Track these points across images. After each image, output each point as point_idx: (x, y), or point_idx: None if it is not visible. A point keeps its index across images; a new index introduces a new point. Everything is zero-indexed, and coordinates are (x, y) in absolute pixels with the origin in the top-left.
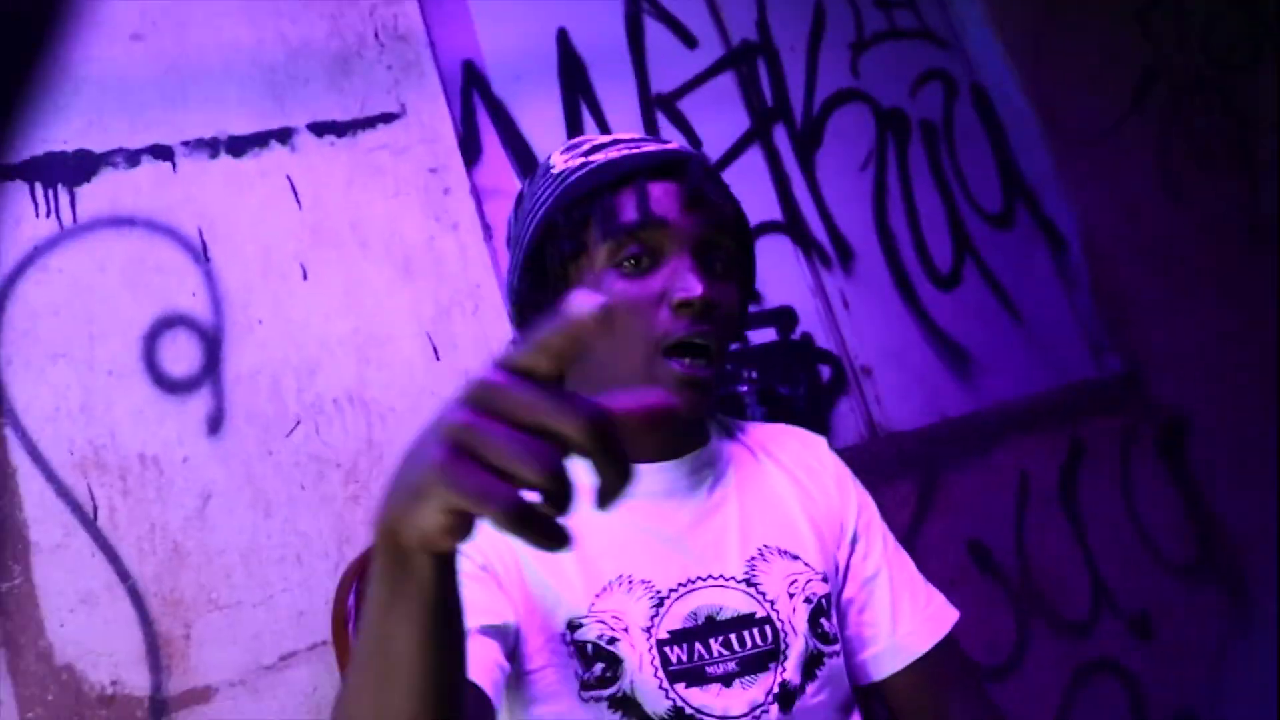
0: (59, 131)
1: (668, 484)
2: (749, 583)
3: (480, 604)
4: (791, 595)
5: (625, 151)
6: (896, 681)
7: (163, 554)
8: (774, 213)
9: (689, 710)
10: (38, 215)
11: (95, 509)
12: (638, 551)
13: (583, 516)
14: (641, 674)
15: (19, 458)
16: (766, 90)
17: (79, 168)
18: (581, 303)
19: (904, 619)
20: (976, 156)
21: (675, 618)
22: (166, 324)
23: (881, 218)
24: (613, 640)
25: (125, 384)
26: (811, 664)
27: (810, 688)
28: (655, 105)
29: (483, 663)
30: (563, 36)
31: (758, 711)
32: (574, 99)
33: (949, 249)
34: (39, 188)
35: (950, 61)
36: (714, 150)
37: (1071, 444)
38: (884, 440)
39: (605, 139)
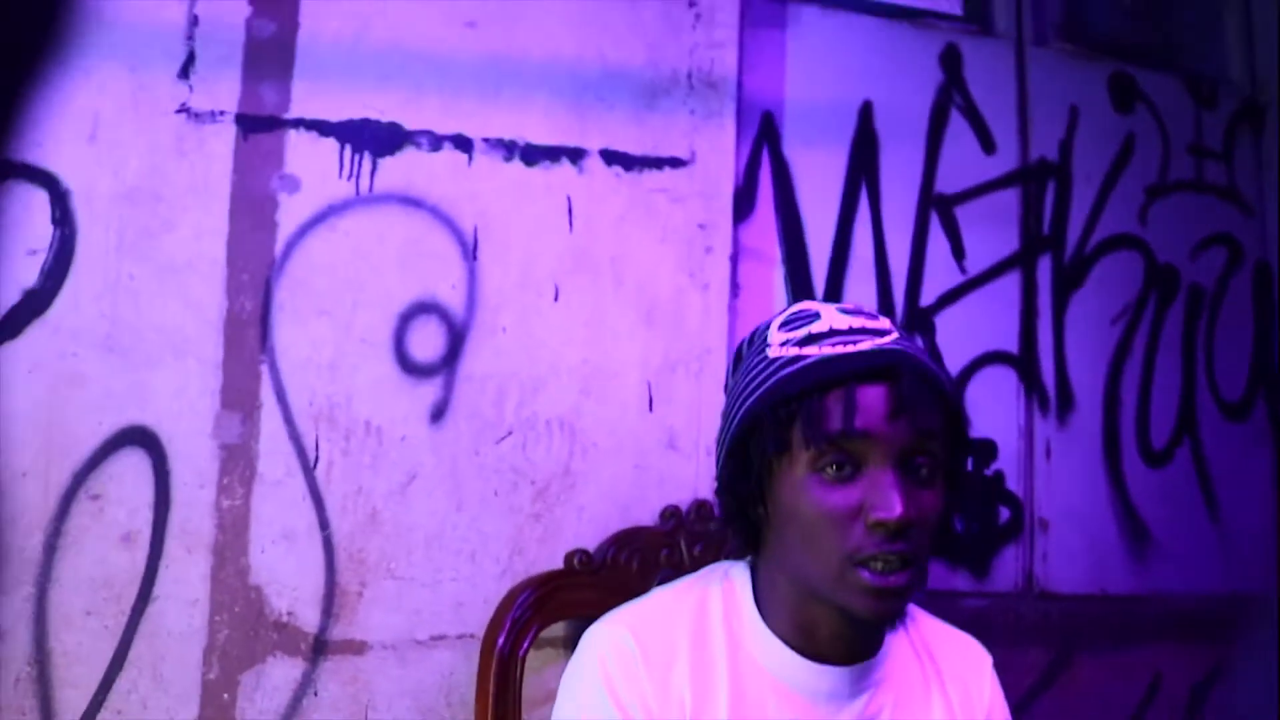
0: (380, 101)
1: (834, 687)
2: None
3: None
4: None
5: (839, 349)
6: None
7: (361, 516)
8: (1010, 344)
9: None
10: (340, 175)
11: (316, 459)
12: None
13: (748, 701)
14: None
15: (266, 394)
16: (1047, 215)
17: (388, 140)
18: None
19: None
20: (1234, 337)
21: None
22: (422, 309)
23: (1115, 377)
24: None
25: (372, 354)
26: None
27: None
28: (933, 205)
29: None
30: (865, 110)
31: None
32: (856, 178)
33: (1170, 425)
34: (348, 150)
35: (1245, 230)
36: (975, 265)
37: (1214, 662)
38: (1035, 597)
39: (823, 326)
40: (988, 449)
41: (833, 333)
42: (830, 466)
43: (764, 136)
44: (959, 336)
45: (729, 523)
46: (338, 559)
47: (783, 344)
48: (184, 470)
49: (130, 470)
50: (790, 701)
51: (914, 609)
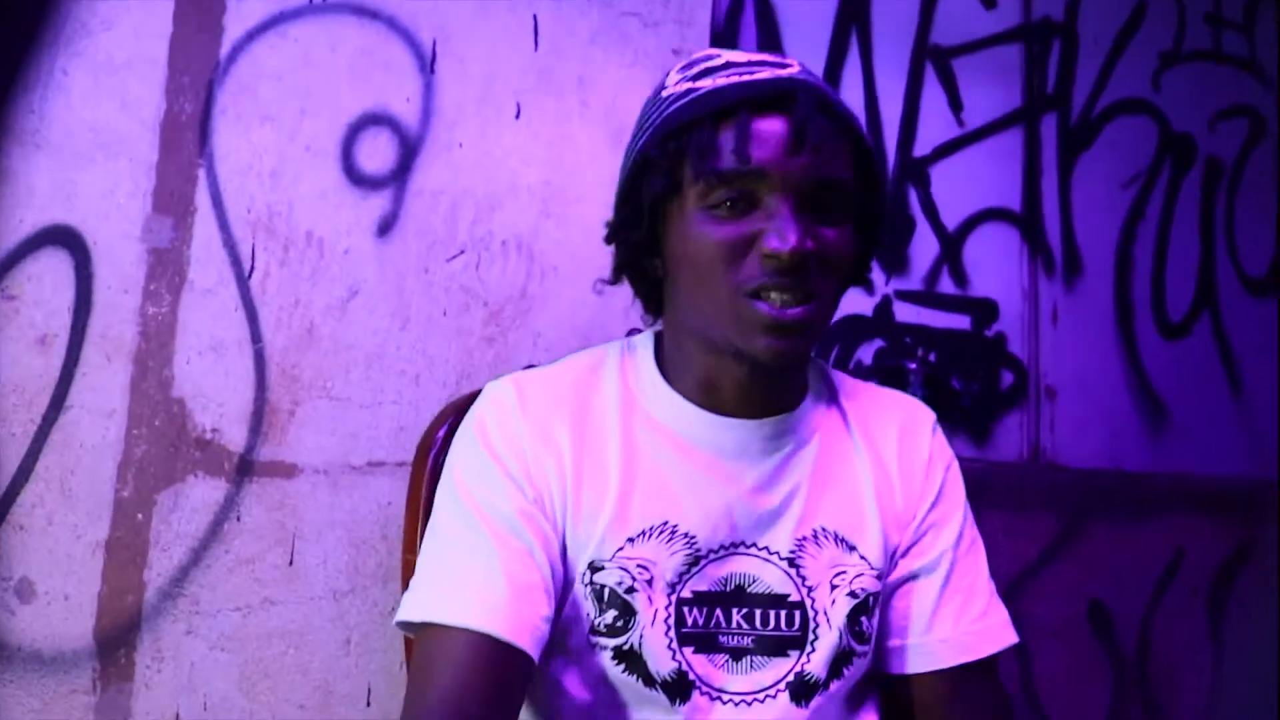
0: None
1: (740, 442)
2: (791, 562)
3: (528, 551)
4: (835, 586)
5: (733, 79)
6: (915, 684)
7: (297, 330)
8: (1012, 201)
9: (691, 675)
10: None
11: (252, 269)
12: (690, 503)
13: (641, 455)
14: (653, 629)
15: (202, 199)
16: (1051, 75)
17: None
18: None
19: (944, 623)
20: (1256, 211)
21: (706, 579)
22: (373, 120)
23: (1127, 241)
24: (631, 590)
25: (317, 164)
26: (840, 661)
27: (835, 685)
28: (928, 56)
29: (526, 620)
30: None
31: (762, 695)
32: (847, 25)
33: (1189, 297)
34: None
35: (1267, 103)
36: (974, 120)
37: (1242, 542)
38: (1043, 468)
39: (719, 60)
40: (987, 308)
41: (728, 65)
42: (724, 204)
43: None
44: (956, 191)
45: (628, 280)
46: (269, 375)
47: (677, 83)
48: (108, 273)
49: (50, 271)
50: (692, 457)
51: (843, 377)
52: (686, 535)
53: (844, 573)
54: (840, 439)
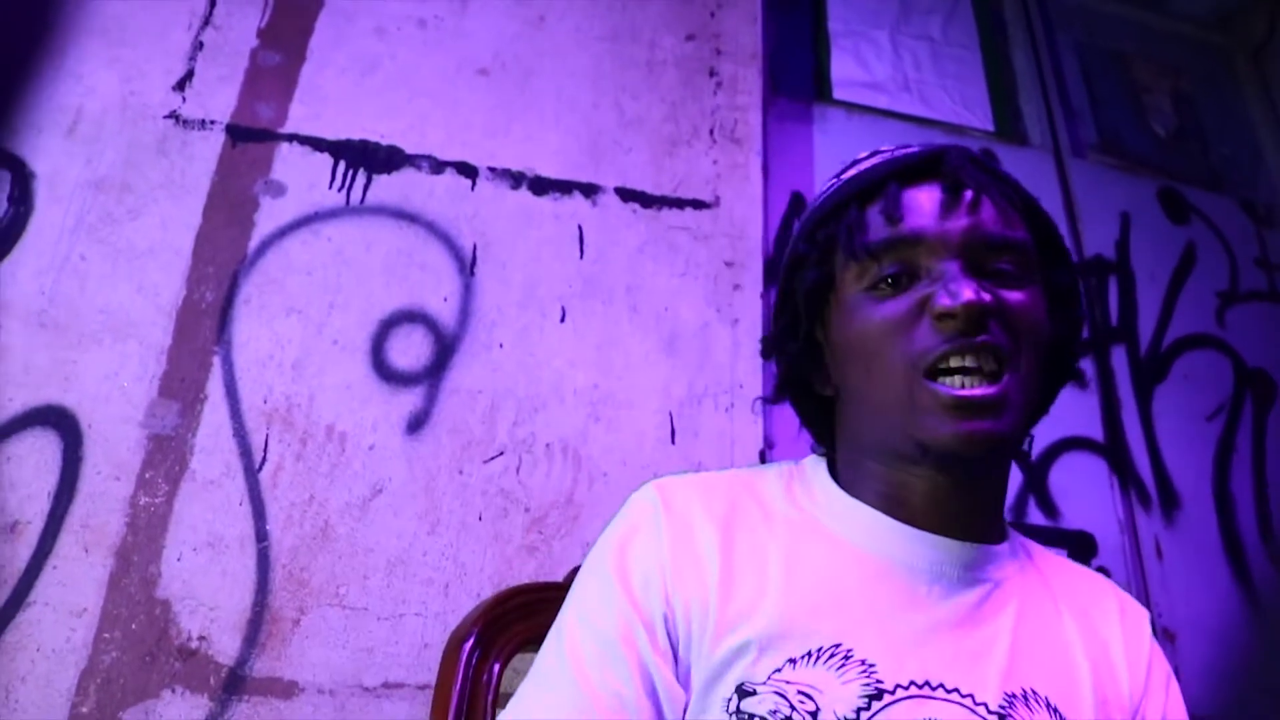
0: (381, 126)
1: (936, 562)
2: (1002, 718)
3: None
4: None
5: (879, 160)
6: None
7: (310, 530)
8: (1094, 431)
9: None
10: (330, 187)
11: (264, 461)
12: (870, 626)
13: (811, 565)
14: None
15: (214, 387)
16: (1113, 309)
17: (386, 160)
18: None
19: None
20: None
21: None
22: (408, 317)
23: (1222, 476)
24: None
25: (345, 357)
26: None
27: None
28: None
29: None
30: None
31: None
32: None
33: None
34: (341, 165)
35: None
36: None
37: None
38: None
39: (865, 154)
40: (1084, 541)
41: (876, 153)
42: (884, 281)
43: (794, 214)
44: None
45: (792, 402)
46: (273, 577)
47: (826, 183)
48: (100, 459)
49: (35, 453)
50: (876, 572)
51: (1045, 550)
52: (864, 664)
53: None
54: (1042, 600)
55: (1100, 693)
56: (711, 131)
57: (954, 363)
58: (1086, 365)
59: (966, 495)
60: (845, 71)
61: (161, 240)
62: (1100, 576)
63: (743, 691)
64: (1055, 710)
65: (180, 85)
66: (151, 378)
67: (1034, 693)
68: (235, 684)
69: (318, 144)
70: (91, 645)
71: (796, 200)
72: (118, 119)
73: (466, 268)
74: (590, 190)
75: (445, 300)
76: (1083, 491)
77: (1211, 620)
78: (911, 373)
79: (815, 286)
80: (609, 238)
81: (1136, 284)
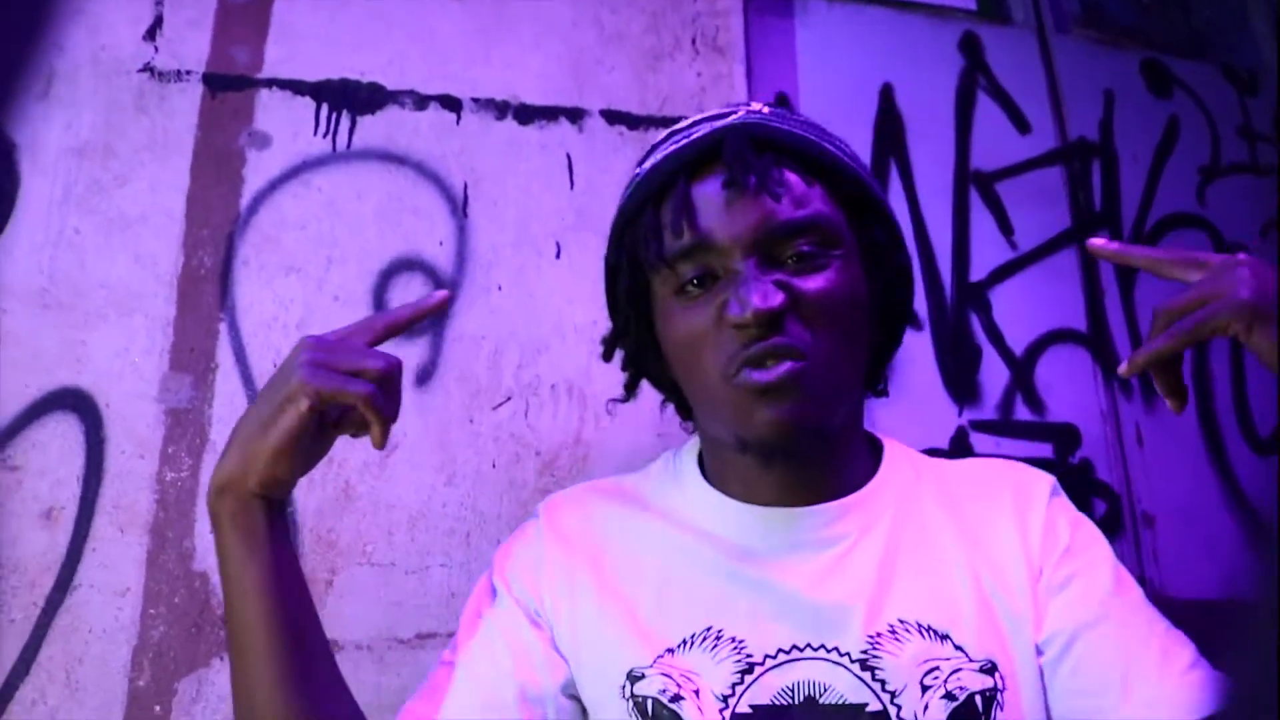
0: (359, 63)
1: (794, 536)
2: (864, 664)
3: (509, 665)
4: (927, 687)
5: (671, 148)
6: None
7: (332, 491)
8: (1078, 322)
9: None
10: (315, 134)
11: None
12: (737, 605)
13: (682, 561)
14: None
15: (224, 355)
16: (1097, 194)
17: (368, 100)
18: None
19: (1144, 680)
20: None
21: (765, 690)
22: (406, 265)
23: (1201, 359)
24: (676, 698)
25: (348, 313)
26: None
27: None
28: (970, 181)
29: None
30: (886, 91)
31: None
32: (884, 156)
33: (1274, 410)
34: (324, 109)
35: None
36: (1026, 242)
37: None
38: (1156, 602)
39: (684, 123)
40: (1069, 434)
41: (672, 134)
42: (689, 284)
43: None
44: (1019, 314)
45: (655, 389)
46: (302, 541)
47: (631, 173)
48: (122, 438)
49: (58, 438)
50: (736, 556)
51: (934, 459)
52: (734, 640)
53: (936, 670)
54: (920, 519)
55: (980, 588)
56: (694, 41)
57: (755, 365)
58: (1070, 257)
59: (801, 470)
60: None
61: (152, 205)
62: (1001, 463)
63: (633, 676)
64: (929, 629)
65: (150, 34)
66: (161, 351)
67: (901, 622)
68: None
69: (298, 87)
70: (139, 623)
71: (781, 100)
72: (91, 77)
73: (459, 209)
74: (576, 115)
75: (440, 245)
76: (1068, 383)
77: (1188, 502)
78: (721, 378)
79: (632, 291)
80: (597, 165)
81: (1120, 166)
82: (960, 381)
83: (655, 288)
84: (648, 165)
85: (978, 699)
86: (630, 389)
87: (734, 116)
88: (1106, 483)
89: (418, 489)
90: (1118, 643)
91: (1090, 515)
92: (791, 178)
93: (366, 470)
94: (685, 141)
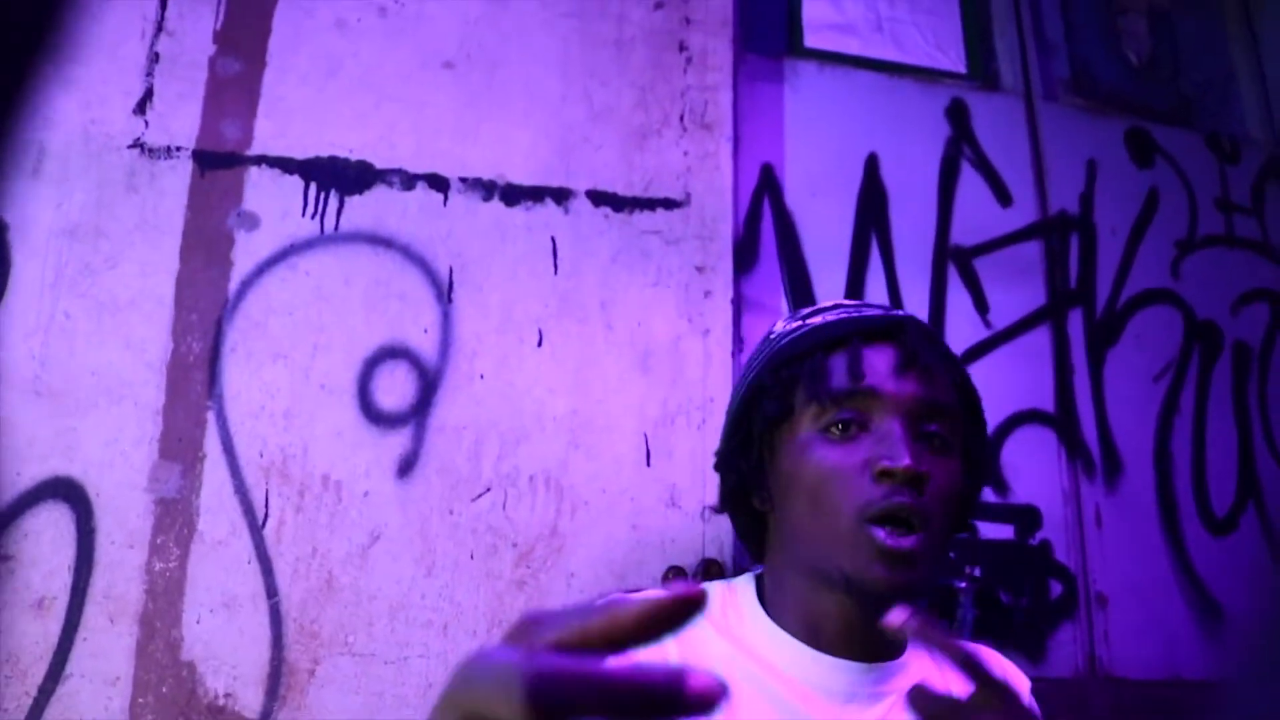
0: (349, 139)
1: (849, 685)
2: None
3: None
4: None
5: (843, 315)
6: None
7: (315, 582)
8: (1045, 402)
9: None
10: (303, 214)
11: (266, 517)
12: None
13: (743, 686)
14: None
15: (212, 444)
16: (1073, 269)
17: (356, 179)
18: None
19: None
20: None
21: None
22: (391, 354)
23: (1164, 438)
24: None
25: (333, 402)
26: None
27: None
28: (950, 257)
29: None
30: (871, 162)
31: None
32: (866, 230)
33: (1232, 490)
34: (313, 188)
35: None
36: (1000, 320)
37: None
38: (1101, 682)
39: (829, 304)
40: (1030, 515)
41: (838, 306)
42: (835, 425)
43: (764, 188)
44: (990, 394)
45: (731, 515)
46: (286, 631)
47: (789, 321)
48: (112, 527)
49: (50, 527)
50: (799, 694)
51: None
52: None
53: None
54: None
55: None
56: (682, 118)
57: (889, 522)
58: (1043, 335)
59: (873, 624)
60: (817, 13)
61: (142, 289)
62: (989, 652)
63: None
64: None
65: (141, 107)
66: (150, 440)
67: None
68: None
69: (287, 165)
70: (128, 712)
71: (766, 173)
72: (82, 153)
73: (444, 294)
74: (562, 196)
75: (425, 332)
76: (1032, 465)
77: (1142, 583)
78: (856, 517)
79: (774, 418)
80: (582, 249)
81: (1098, 240)
82: None
83: (800, 419)
84: (818, 320)
85: None
86: (725, 504)
87: (899, 312)
88: (1064, 564)
89: (398, 580)
90: None
91: (1045, 596)
92: (943, 372)
93: (349, 560)
94: (858, 315)
